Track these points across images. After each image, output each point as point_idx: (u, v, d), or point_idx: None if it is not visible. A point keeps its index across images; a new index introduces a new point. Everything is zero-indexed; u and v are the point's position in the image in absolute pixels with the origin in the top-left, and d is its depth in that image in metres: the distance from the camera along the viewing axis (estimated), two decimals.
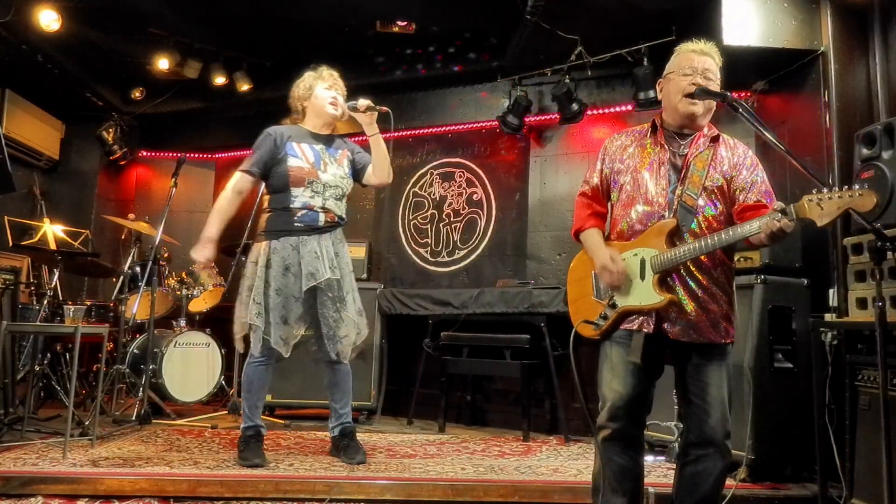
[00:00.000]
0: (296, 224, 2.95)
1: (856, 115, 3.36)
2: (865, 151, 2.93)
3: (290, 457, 3.12)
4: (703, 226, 1.99)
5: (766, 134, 1.92)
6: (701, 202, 1.99)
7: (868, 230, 1.77)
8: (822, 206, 1.73)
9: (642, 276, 1.99)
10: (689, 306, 1.98)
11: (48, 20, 4.42)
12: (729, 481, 2.67)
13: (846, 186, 1.72)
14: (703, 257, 1.97)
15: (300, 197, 2.97)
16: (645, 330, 1.98)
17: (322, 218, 2.99)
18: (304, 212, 2.97)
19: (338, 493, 2.59)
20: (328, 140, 3.13)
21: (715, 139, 2.08)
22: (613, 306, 2.04)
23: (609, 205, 2.19)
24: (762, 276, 2.96)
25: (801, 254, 3.16)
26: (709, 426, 1.95)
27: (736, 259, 3.03)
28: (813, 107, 3.50)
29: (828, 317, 2.82)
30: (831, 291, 3.16)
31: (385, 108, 3.04)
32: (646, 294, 1.97)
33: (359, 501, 2.61)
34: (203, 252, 2.94)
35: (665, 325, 1.98)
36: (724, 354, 2.01)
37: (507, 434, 4.09)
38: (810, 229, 3.27)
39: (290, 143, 3.02)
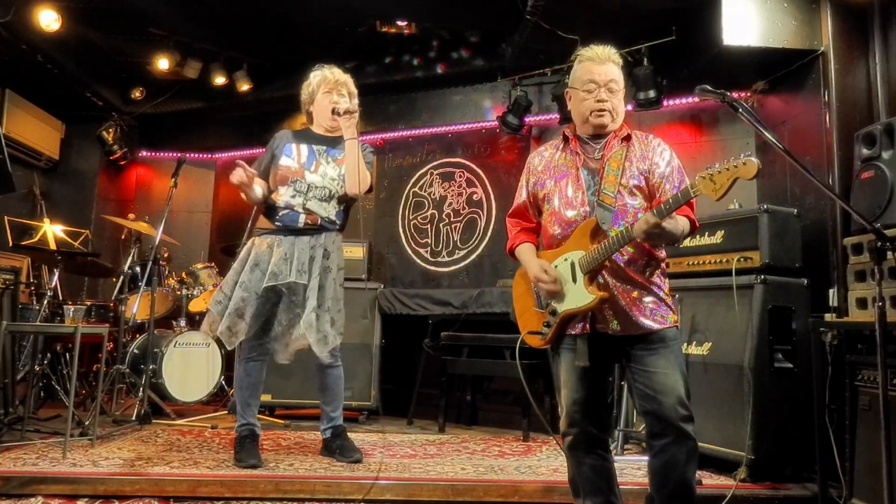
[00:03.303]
0: (276, 223, 2.97)
1: (856, 115, 3.36)
2: (865, 151, 2.93)
3: (290, 457, 3.12)
4: (624, 221, 2.02)
5: (766, 134, 1.93)
6: (619, 200, 2.03)
7: (868, 230, 1.77)
8: (714, 181, 1.78)
9: (574, 279, 2.03)
10: (621, 300, 2.02)
11: (48, 20, 4.42)
12: (729, 481, 2.70)
13: (732, 158, 1.78)
14: (629, 251, 2.02)
15: (283, 196, 2.98)
16: (585, 332, 2.03)
17: (302, 219, 2.96)
18: (285, 211, 2.97)
19: (338, 493, 2.59)
20: (333, 141, 3.09)
21: (627, 138, 2.12)
22: (554, 313, 2.08)
23: (539, 219, 2.25)
24: (762, 276, 2.95)
25: (801, 254, 3.16)
26: (663, 413, 1.94)
27: (736, 259, 3.06)
28: (813, 107, 3.51)
29: (828, 317, 2.82)
30: (831, 291, 3.16)
31: (356, 109, 2.97)
32: (580, 295, 2.01)
33: (359, 501, 2.61)
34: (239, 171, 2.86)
35: (601, 323, 2.03)
36: (666, 340, 2.01)
37: (507, 434, 4.09)
38: (810, 229, 3.31)
39: (289, 144, 3.03)
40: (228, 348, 2.96)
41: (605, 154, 2.10)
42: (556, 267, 2.07)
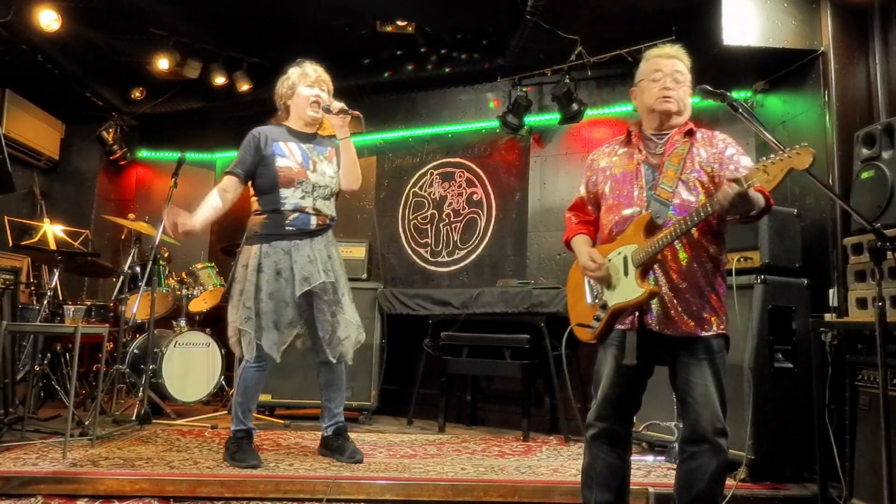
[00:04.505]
0: (287, 228, 2.92)
1: (856, 115, 3.36)
2: (865, 151, 2.93)
3: (290, 457, 3.12)
4: (680, 216, 1.99)
5: (766, 134, 1.93)
6: (677, 194, 2.01)
7: (868, 230, 1.77)
8: (767, 172, 1.75)
9: (626, 273, 2.02)
10: (668, 298, 2.00)
11: (48, 20, 4.42)
12: (729, 481, 2.68)
13: (788, 148, 1.74)
14: (684, 250, 2.00)
15: (290, 198, 2.93)
16: (633, 327, 2.02)
17: (314, 221, 2.97)
18: (295, 214, 2.93)
19: (338, 493, 2.59)
20: (314, 138, 3.09)
21: (690, 133, 2.10)
22: (605, 307, 2.08)
23: (597, 213, 2.25)
24: (762, 276, 2.96)
25: (802, 254, 3.16)
26: (700, 424, 1.96)
27: (736, 259, 3.05)
28: (813, 107, 3.51)
29: (828, 317, 2.82)
30: (831, 291, 3.16)
31: (357, 113, 2.95)
32: (630, 289, 2.00)
33: (359, 501, 2.61)
34: (174, 215, 2.79)
35: (646, 319, 2.02)
36: (710, 350, 2.00)
37: (507, 434, 4.09)
38: (810, 229, 3.31)
39: (276, 143, 2.98)
40: (277, 361, 2.92)
41: (666, 150, 2.08)
42: (609, 261, 2.07)
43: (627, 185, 2.10)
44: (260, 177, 2.98)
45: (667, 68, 2.08)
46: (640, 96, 2.16)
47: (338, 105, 2.96)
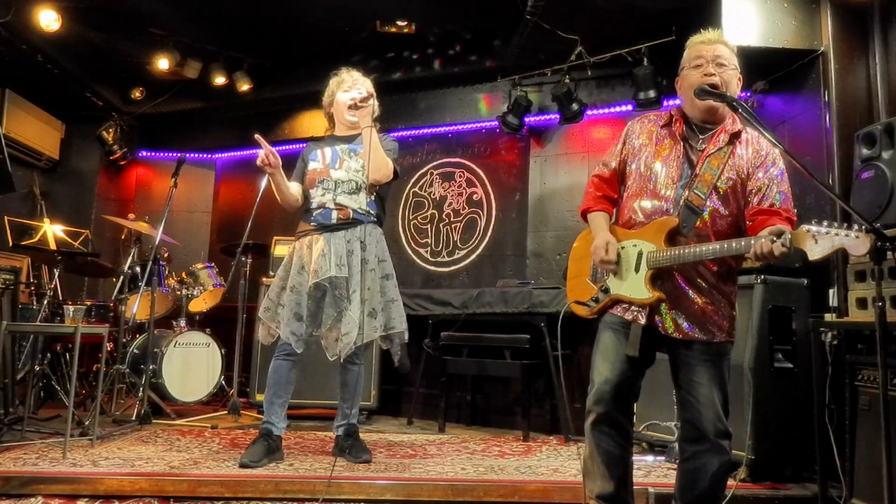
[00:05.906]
0: (311, 223, 3.06)
1: (856, 115, 3.36)
2: (865, 151, 2.93)
3: (290, 457, 3.11)
4: (708, 227, 1.96)
5: (766, 134, 1.92)
6: (709, 203, 1.96)
7: (868, 230, 1.77)
8: (816, 240, 1.68)
9: (637, 269, 1.99)
10: (683, 304, 1.98)
11: (48, 20, 4.42)
12: (729, 481, 2.68)
13: (845, 224, 1.67)
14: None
15: (315, 197, 3.09)
16: (639, 321, 1.99)
17: (334, 215, 3.03)
18: (318, 210, 3.06)
19: (338, 493, 2.59)
20: (354, 138, 3.17)
21: (736, 135, 2.01)
22: (606, 291, 2.06)
23: (622, 191, 2.19)
24: (762, 276, 2.96)
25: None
26: (702, 425, 1.95)
27: None
28: (813, 107, 3.50)
29: (828, 317, 2.82)
30: (831, 291, 3.16)
31: (367, 94, 3.04)
32: (637, 288, 1.98)
33: (359, 501, 2.61)
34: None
35: (657, 319, 1.99)
36: (719, 354, 1.99)
37: (507, 434, 4.09)
38: None
39: (315, 151, 3.16)
40: (298, 351, 2.98)
41: (707, 148, 2.01)
42: (622, 248, 2.03)
43: (659, 174, 2.03)
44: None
45: (708, 54, 2.01)
46: (682, 84, 2.08)
47: (356, 96, 3.04)
